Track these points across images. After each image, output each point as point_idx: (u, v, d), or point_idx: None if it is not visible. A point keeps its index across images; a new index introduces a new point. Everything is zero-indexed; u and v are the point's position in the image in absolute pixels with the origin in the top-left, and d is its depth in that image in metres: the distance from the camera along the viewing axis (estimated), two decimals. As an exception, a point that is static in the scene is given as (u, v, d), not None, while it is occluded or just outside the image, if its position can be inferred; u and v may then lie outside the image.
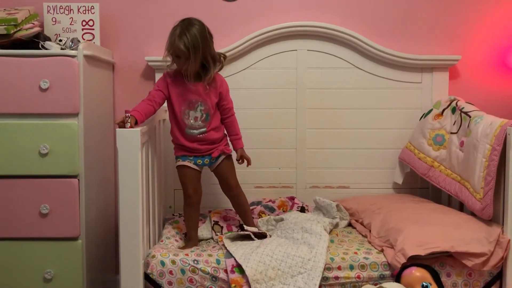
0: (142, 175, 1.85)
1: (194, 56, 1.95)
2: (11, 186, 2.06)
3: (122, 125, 1.82)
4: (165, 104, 2.46)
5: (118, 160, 1.80)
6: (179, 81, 2.05)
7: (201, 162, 2.09)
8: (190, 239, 2.10)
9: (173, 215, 2.43)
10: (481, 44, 2.59)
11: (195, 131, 2.05)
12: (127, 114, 1.83)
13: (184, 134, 2.06)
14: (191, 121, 2.04)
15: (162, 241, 2.07)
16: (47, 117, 2.06)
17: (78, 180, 2.09)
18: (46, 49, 2.13)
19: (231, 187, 2.15)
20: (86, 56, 2.10)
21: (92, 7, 2.39)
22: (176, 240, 2.11)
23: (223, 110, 2.13)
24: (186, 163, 2.07)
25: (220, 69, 2.08)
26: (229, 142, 2.18)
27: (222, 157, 2.12)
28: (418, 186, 2.55)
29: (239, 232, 2.06)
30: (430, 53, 2.54)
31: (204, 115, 2.05)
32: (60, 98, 2.05)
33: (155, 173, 2.17)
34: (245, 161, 2.17)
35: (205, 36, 1.99)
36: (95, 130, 2.25)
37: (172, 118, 2.09)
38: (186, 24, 1.99)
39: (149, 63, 2.48)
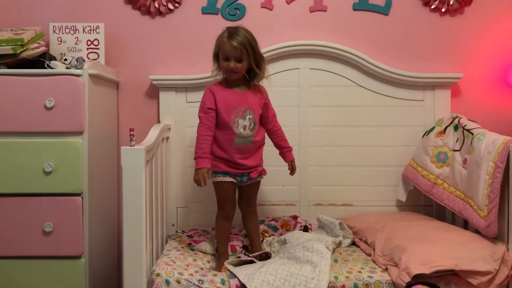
0: (146, 193, 1.85)
1: (248, 54, 1.99)
2: (15, 204, 2.07)
3: (198, 179, 1.94)
4: (168, 122, 2.50)
5: (122, 178, 1.80)
6: (225, 91, 2.05)
7: (240, 179, 2.09)
8: (220, 255, 2.08)
9: (176, 232, 2.43)
10: (482, 62, 2.61)
11: (243, 140, 2.04)
12: (131, 133, 1.85)
13: (231, 145, 2.04)
14: (241, 129, 2.03)
15: (163, 253, 2.08)
16: (52, 135, 2.08)
17: (82, 198, 2.09)
18: (52, 68, 2.16)
19: (251, 204, 2.17)
20: (91, 75, 2.13)
21: (97, 27, 2.42)
22: (178, 250, 2.11)
23: (269, 119, 2.16)
24: (227, 178, 2.07)
25: (265, 74, 2.10)
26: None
27: (258, 179, 2.15)
28: (422, 203, 2.54)
29: (242, 259, 2.05)
30: (432, 71, 2.56)
31: (252, 124, 2.05)
32: (65, 116, 2.07)
33: (158, 191, 2.17)
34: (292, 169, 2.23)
35: (254, 37, 2.04)
36: (99, 148, 2.27)
37: (218, 131, 2.05)
38: (234, 28, 2.03)
39: (153, 82, 2.50)
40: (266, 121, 2.16)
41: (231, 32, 2.00)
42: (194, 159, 2.00)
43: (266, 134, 2.18)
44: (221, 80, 2.11)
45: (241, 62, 2.00)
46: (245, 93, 2.07)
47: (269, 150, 2.45)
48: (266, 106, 2.14)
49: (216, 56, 2.06)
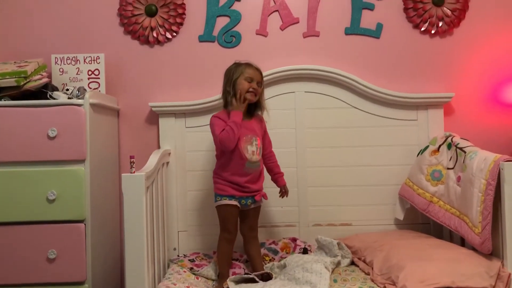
0: (147, 218, 1.90)
1: (262, 82, 2.21)
2: (20, 232, 2.11)
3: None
4: (168, 147, 2.55)
5: (124, 204, 1.85)
6: (237, 113, 2.13)
7: (245, 202, 2.16)
8: (222, 277, 2.12)
9: (178, 256, 2.46)
10: (473, 81, 2.68)
11: (253, 164, 2.14)
12: (132, 160, 1.90)
13: (241, 170, 2.12)
14: (251, 155, 2.13)
15: (165, 277, 2.12)
16: (55, 164, 2.14)
17: (85, 224, 2.14)
18: (54, 98, 2.22)
19: (253, 228, 2.23)
20: (92, 104, 2.19)
21: (98, 57, 2.50)
22: (180, 274, 2.14)
23: (266, 145, 2.28)
24: (232, 202, 2.14)
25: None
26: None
27: (261, 202, 2.23)
28: (420, 221, 2.57)
29: (243, 276, 2.08)
30: (425, 91, 2.62)
31: (259, 149, 2.17)
32: (67, 145, 2.13)
33: (159, 216, 2.22)
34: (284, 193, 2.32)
35: None
36: (100, 175, 2.32)
37: (227, 157, 2.14)
38: (241, 62, 2.21)
39: (153, 109, 2.56)
40: (263, 147, 2.26)
41: (248, 62, 2.20)
42: (232, 127, 2.07)
43: None
44: (223, 111, 2.19)
45: (260, 86, 2.17)
46: (249, 121, 2.19)
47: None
48: (265, 133, 2.28)
49: (230, 84, 2.15)
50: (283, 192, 2.32)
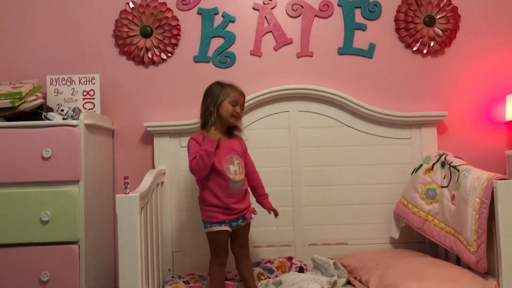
0: (141, 239, 1.88)
1: (244, 104, 2.22)
2: (12, 254, 2.09)
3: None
4: (163, 167, 2.55)
5: (118, 225, 1.84)
6: (211, 141, 2.11)
7: (236, 224, 2.14)
8: None
9: (173, 277, 2.44)
10: (465, 99, 2.71)
11: (237, 184, 2.12)
12: (126, 180, 1.90)
13: (226, 191, 2.09)
14: (233, 175, 2.11)
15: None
16: (49, 185, 2.13)
17: (79, 246, 2.12)
18: (49, 119, 2.23)
19: (244, 246, 2.21)
20: (86, 125, 2.20)
21: (93, 78, 2.52)
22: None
23: (248, 164, 2.27)
24: (223, 227, 2.11)
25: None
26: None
27: (251, 219, 2.21)
28: (415, 240, 2.57)
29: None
30: (418, 110, 2.65)
31: (241, 168, 2.16)
32: (61, 166, 2.12)
33: (154, 236, 2.20)
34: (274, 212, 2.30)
35: None
36: (95, 196, 2.31)
37: (211, 180, 2.11)
38: (227, 83, 2.21)
39: (148, 129, 2.57)
40: (246, 167, 2.24)
41: (231, 84, 2.20)
42: (207, 154, 2.05)
43: None
44: (201, 133, 2.17)
45: (242, 110, 2.19)
46: (229, 141, 2.19)
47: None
48: (245, 152, 2.26)
49: (214, 106, 2.13)
50: (274, 213, 2.29)
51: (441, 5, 2.70)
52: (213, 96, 2.16)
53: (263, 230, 2.56)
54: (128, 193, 1.88)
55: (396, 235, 2.54)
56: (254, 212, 2.21)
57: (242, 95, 2.20)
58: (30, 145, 2.13)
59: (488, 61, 2.73)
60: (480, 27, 2.73)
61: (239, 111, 2.17)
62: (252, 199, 2.26)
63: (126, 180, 1.91)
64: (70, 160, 2.13)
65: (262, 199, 2.29)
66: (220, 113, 2.13)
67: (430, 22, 2.69)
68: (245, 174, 2.23)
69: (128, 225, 1.83)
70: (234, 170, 2.11)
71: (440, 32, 2.70)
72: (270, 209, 2.29)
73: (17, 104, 2.21)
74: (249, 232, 2.24)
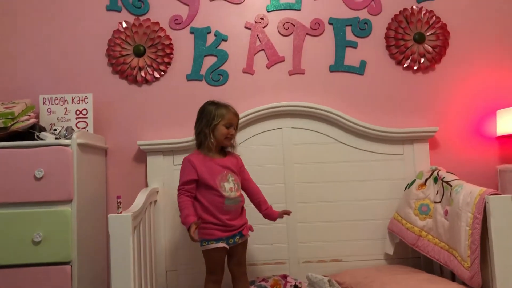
0: (134, 259, 1.87)
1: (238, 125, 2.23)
2: (4, 276, 2.06)
3: (190, 237, 1.98)
4: (156, 185, 2.54)
5: (110, 245, 1.83)
6: (206, 160, 2.13)
7: (233, 241, 2.13)
8: None
9: (167, 297, 2.42)
10: (457, 115, 2.74)
11: (233, 201, 2.11)
12: (118, 200, 1.89)
13: (222, 209, 2.09)
14: (228, 192, 2.11)
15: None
16: (41, 205, 2.11)
17: (71, 266, 2.10)
18: (41, 139, 2.22)
19: (242, 264, 2.20)
20: (79, 144, 2.20)
21: (86, 97, 2.52)
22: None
23: (246, 180, 2.26)
24: (220, 244, 2.09)
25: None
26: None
27: (248, 236, 2.20)
28: (410, 256, 2.57)
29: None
30: (409, 126, 2.67)
31: (236, 185, 2.15)
32: (54, 186, 2.11)
33: (147, 255, 2.19)
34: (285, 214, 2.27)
35: None
36: (87, 215, 2.29)
37: (206, 198, 2.10)
38: (221, 102, 2.21)
39: (141, 147, 2.57)
40: (243, 183, 2.25)
41: (226, 104, 2.20)
42: (182, 223, 2.05)
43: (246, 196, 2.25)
44: (197, 152, 2.18)
45: (236, 130, 2.20)
46: (222, 159, 2.18)
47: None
48: (242, 169, 2.26)
49: (208, 128, 2.14)
50: (286, 214, 2.25)
51: (431, 22, 2.75)
52: (207, 118, 2.16)
53: (257, 248, 2.55)
54: (120, 212, 1.87)
55: (390, 251, 2.54)
56: (251, 229, 2.20)
57: (236, 116, 2.20)
58: (22, 165, 2.12)
59: (478, 76, 2.76)
60: (469, 43, 2.77)
61: (233, 133, 2.18)
62: (253, 215, 2.24)
63: (118, 200, 1.90)
64: (63, 180, 2.12)
65: (268, 211, 2.26)
66: (215, 135, 2.15)
67: (420, 39, 2.73)
68: (248, 190, 2.25)
69: (120, 245, 1.82)
70: (229, 187, 2.12)
71: (430, 49, 2.74)
72: (279, 215, 2.24)
73: (9, 124, 2.21)
74: (246, 250, 2.22)
